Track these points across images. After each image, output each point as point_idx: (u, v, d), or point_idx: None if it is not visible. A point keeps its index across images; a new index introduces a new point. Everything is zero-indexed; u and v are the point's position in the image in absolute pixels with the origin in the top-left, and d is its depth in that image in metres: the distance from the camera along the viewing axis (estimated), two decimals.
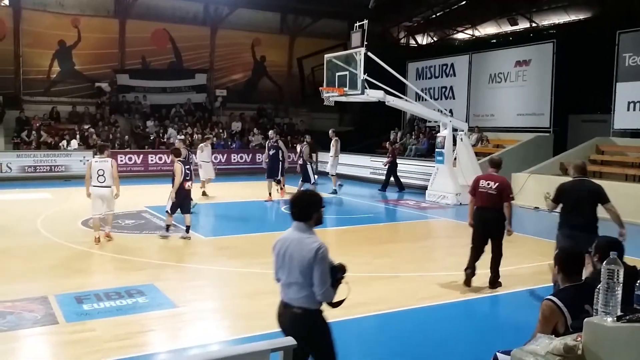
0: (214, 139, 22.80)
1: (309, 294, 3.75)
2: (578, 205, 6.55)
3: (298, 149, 16.84)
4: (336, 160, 17.81)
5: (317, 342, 3.87)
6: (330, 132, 18.39)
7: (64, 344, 5.43)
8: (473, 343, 5.71)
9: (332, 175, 17.67)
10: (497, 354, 3.99)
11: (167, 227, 10.52)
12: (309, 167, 16.01)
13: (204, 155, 15.59)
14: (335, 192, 17.24)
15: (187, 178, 10.29)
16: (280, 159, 15.51)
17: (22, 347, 5.42)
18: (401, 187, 18.24)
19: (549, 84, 19.31)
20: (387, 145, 18.67)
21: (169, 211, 10.40)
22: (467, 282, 7.49)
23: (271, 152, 15.52)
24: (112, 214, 10.18)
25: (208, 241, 10.56)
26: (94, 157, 11.30)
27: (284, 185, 16.17)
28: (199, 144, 16.50)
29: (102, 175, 9.64)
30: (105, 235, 10.01)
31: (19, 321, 5.89)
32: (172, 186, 10.18)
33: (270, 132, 16.40)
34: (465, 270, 7.52)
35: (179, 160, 10.33)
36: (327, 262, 3.77)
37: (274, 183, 15.59)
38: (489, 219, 7.35)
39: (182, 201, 10.30)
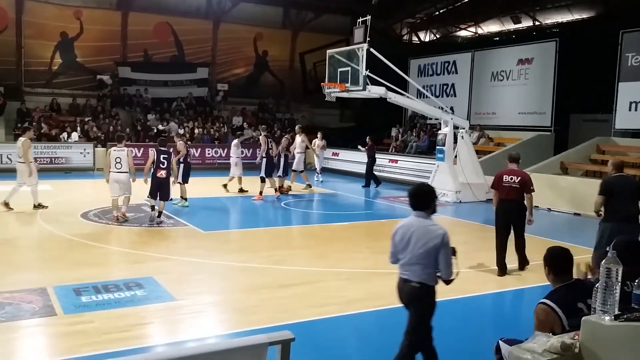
0: (217, 133, 22.93)
1: (430, 272, 4.37)
2: (626, 199, 7.37)
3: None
4: (302, 157, 17.55)
5: (424, 310, 4.47)
6: (296, 127, 18.44)
7: (62, 335, 5.43)
8: (471, 340, 5.72)
9: (295, 170, 17.28)
10: (500, 342, 4.03)
11: (152, 208, 11.24)
12: (281, 160, 15.91)
13: (238, 152, 15.75)
14: (290, 188, 16.64)
15: (162, 167, 11.18)
16: (264, 155, 15.27)
17: (20, 338, 5.42)
18: (369, 184, 18.25)
19: (551, 83, 19.30)
20: (367, 139, 18.41)
21: (149, 196, 11.27)
22: (502, 272, 8.14)
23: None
24: (129, 196, 11.23)
25: (207, 235, 10.55)
26: (111, 146, 12.43)
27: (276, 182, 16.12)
28: (234, 141, 16.38)
29: (119, 162, 10.97)
30: (121, 214, 11.08)
31: (17, 312, 5.90)
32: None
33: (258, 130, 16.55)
34: (497, 264, 8.22)
35: (156, 149, 11.42)
36: (450, 246, 4.35)
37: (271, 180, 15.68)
38: (512, 210, 8.14)
39: (157, 188, 11.12)
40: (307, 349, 5.09)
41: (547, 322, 3.59)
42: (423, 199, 4.49)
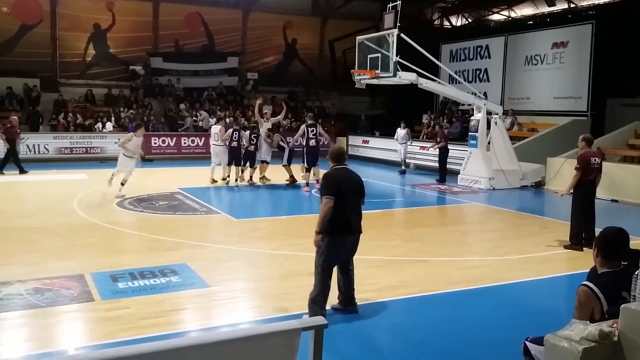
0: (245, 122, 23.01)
1: None
2: None
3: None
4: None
5: None
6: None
7: (100, 320, 5.56)
8: (504, 329, 5.65)
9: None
10: (527, 342, 3.80)
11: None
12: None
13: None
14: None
15: (252, 143, 14.61)
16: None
17: (59, 322, 5.57)
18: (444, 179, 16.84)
19: (587, 67, 18.80)
20: (437, 128, 17.93)
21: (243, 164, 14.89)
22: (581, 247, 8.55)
23: None
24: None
25: (239, 223, 10.66)
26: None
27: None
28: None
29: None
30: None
31: (56, 298, 6.05)
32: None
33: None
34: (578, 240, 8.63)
35: (249, 131, 14.82)
36: None
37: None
38: (594, 189, 8.80)
39: (247, 158, 14.72)
40: (340, 335, 5.11)
41: (587, 305, 3.48)
42: None
